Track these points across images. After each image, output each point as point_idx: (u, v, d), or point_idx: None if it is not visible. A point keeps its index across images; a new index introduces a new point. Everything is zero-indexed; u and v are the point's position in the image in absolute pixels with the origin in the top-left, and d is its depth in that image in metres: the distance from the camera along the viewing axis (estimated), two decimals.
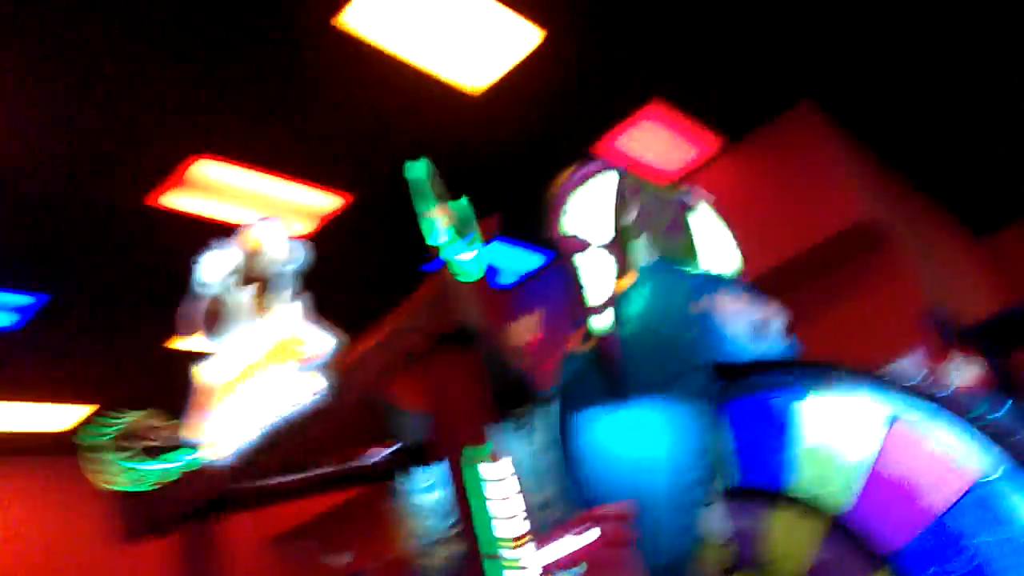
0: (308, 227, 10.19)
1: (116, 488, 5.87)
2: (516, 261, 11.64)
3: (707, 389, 5.54)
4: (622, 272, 6.08)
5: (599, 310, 5.81)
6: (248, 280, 5.19)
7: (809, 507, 4.83)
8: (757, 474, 5.20)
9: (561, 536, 5.25)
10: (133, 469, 5.88)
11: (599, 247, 5.92)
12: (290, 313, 4.93)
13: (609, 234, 5.99)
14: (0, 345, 9.67)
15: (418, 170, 4.54)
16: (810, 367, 5.19)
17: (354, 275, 10.12)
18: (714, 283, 6.06)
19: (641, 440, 5.69)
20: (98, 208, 8.08)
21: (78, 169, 7.68)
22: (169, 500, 5.60)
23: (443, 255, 4.33)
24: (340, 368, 4.68)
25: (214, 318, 5.37)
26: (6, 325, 9.59)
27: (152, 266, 9.20)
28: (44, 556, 9.47)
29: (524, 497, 5.91)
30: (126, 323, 9.86)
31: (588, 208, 6.00)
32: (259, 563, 9.95)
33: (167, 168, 8.29)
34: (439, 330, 4.27)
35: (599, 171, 6.06)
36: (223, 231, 5.46)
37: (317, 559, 11.32)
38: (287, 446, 4.93)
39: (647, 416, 5.70)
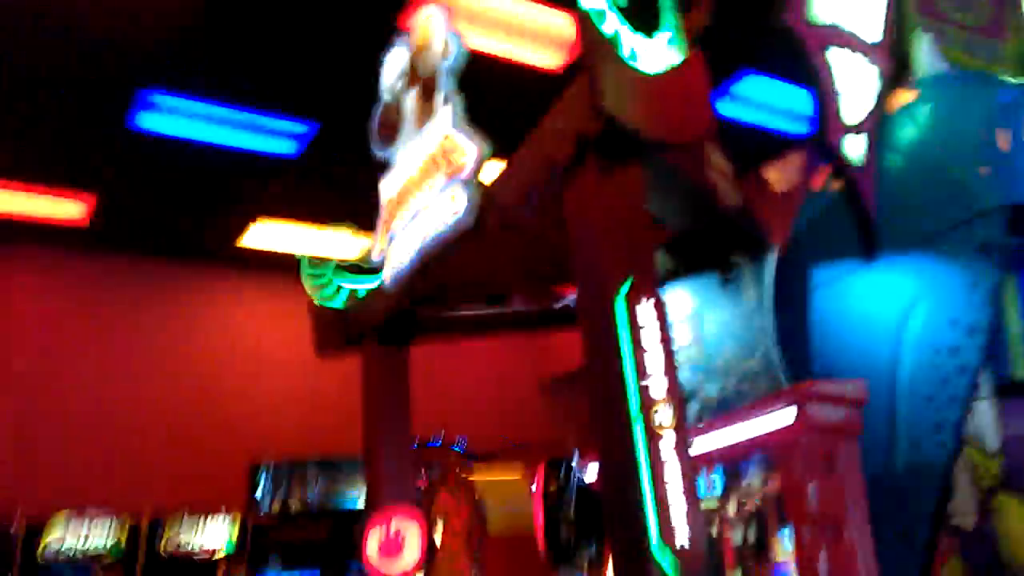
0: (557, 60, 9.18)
1: (321, 302, 5.87)
2: (768, 94, 9.64)
3: (995, 246, 4.01)
4: (894, 83, 4.52)
5: (856, 130, 4.38)
6: (413, 81, 4.59)
7: None
8: None
9: (752, 415, 4.24)
10: (334, 284, 5.82)
11: (863, 45, 4.40)
12: (445, 117, 4.26)
13: (879, 29, 4.41)
14: (280, 171, 10.08)
15: None
16: None
17: None
18: None
19: (891, 306, 4.35)
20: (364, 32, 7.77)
21: None
22: (355, 317, 5.44)
23: (595, 26, 3.30)
24: (481, 184, 3.97)
25: (389, 127, 4.89)
26: (285, 152, 9.96)
27: None
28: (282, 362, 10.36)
29: (717, 361, 4.95)
30: None
31: None
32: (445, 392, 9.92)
33: None
34: (586, 132, 3.34)
35: None
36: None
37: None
38: (438, 270, 4.40)
39: (903, 277, 4.31)
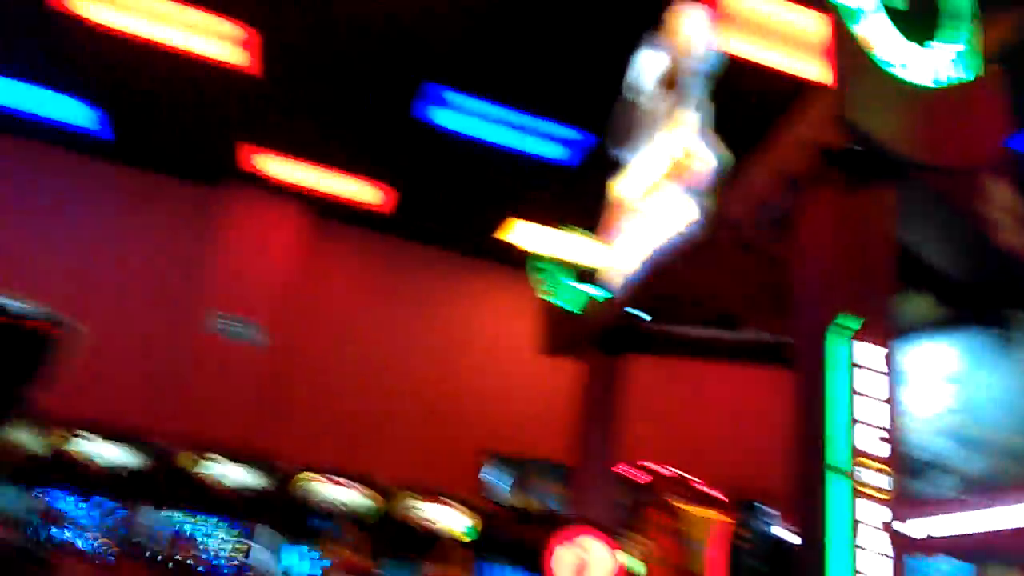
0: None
1: (552, 302, 5.87)
2: None
3: None
4: None
5: None
6: (670, 84, 4.39)
7: None
8: None
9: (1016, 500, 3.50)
10: (567, 287, 5.79)
11: None
12: (690, 123, 4.02)
13: None
14: (552, 175, 10.19)
15: None
16: None
17: None
18: None
19: None
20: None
21: None
22: (579, 322, 5.37)
23: (847, 27, 2.90)
24: (716, 193, 3.68)
25: (631, 127, 4.74)
26: (558, 158, 10.12)
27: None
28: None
29: (986, 433, 4.14)
30: None
31: None
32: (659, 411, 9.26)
33: None
34: (828, 144, 2.96)
35: None
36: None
37: None
38: (666, 277, 4.17)
39: None
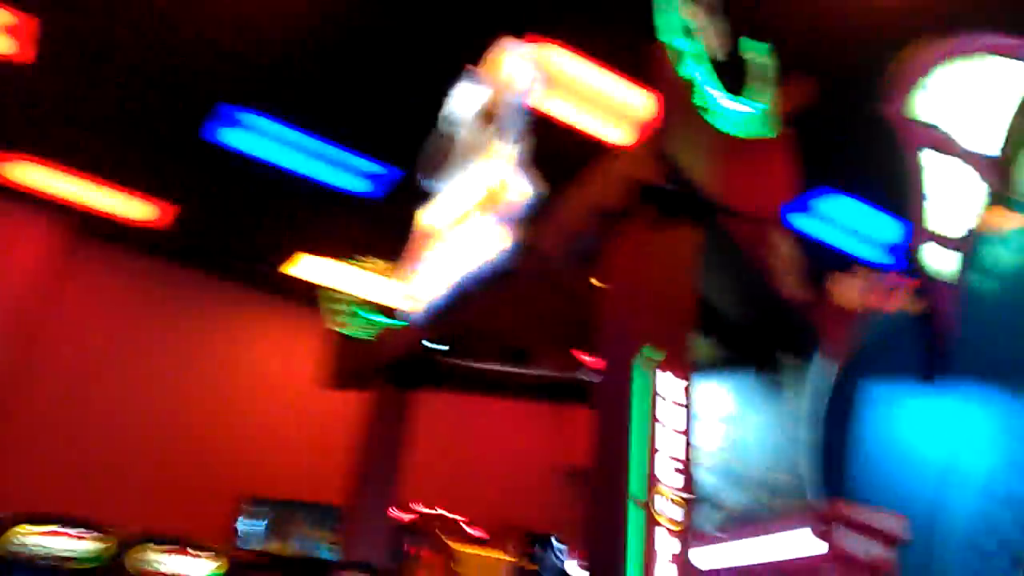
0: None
1: (342, 333, 5.61)
2: (856, 219, 9.07)
3: None
4: (998, 202, 4.08)
5: (946, 243, 3.94)
6: (488, 117, 4.38)
7: None
8: None
9: (775, 532, 3.73)
10: (359, 316, 5.55)
11: (968, 155, 3.99)
12: (507, 156, 4.01)
13: (992, 144, 3.99)
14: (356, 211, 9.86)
15: None
16: None
17: None
18: None
19: (953, 438, 3.83)
20: None
21: None
22: (370, 353, 5.15)
23: (673, 66, 3.02)
24: (528, 225, 3.68)
25: (442, 158, 4.69)
26: (360, 191, 9.81)
27: None
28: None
29: (749, 469, 4.44)
30: None
31: (957, 97, 4.09)
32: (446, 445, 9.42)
33: None
34: (644, 179, 3.03)
35: (987, 52, 4.09)
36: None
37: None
38: (469, 308, 4.10)
39: (969, 408, 3.80)
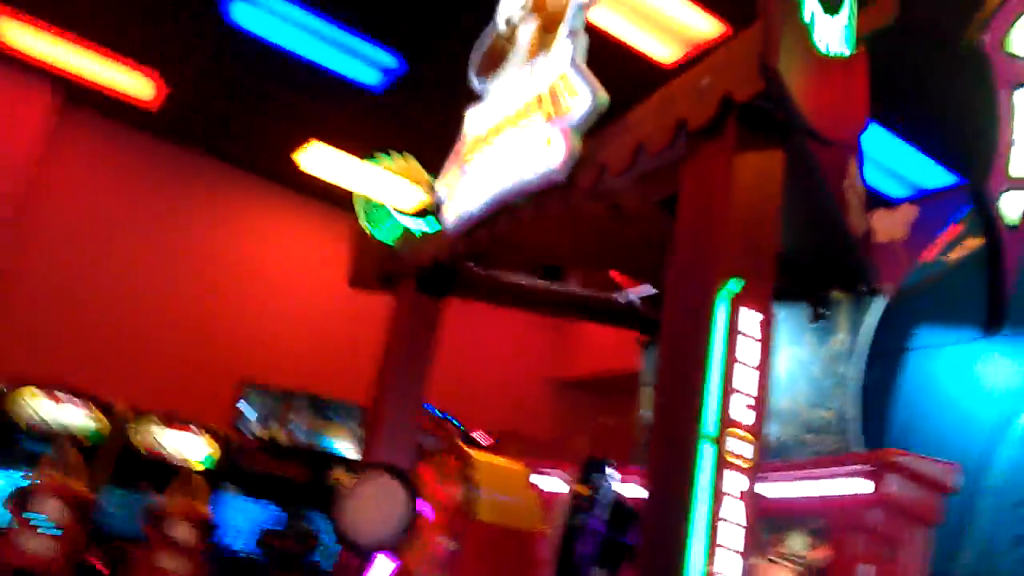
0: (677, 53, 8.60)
1: (371, 233, 5.37)
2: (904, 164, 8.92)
3: None
4: None
5: (1020, 185, 3.78)
6: (535, 10, 4.06)
7: None
8: None
9: (819, 473, 3.67)
10: (390, 217, 5.31)
11: None
12: (564, 53, 3.73)
13: None
14: (361, 103, 9.53)
15: None
16: None
17: None
18: None
19: (1001, 392, 3.77)
20: None
21: None
22: (397, 257, 4.94)
23: None
24: (587, 135, 3.44)
25: (494, 58, 4.37)
26: (370, 83, 9.42)
27: None
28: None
29: (789, 404, 4.38)
30: None
31: None
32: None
33: None
34: (736, 94, 2.80)
35: None
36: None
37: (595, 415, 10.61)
38: (509, 221, 3.88)
39: None
